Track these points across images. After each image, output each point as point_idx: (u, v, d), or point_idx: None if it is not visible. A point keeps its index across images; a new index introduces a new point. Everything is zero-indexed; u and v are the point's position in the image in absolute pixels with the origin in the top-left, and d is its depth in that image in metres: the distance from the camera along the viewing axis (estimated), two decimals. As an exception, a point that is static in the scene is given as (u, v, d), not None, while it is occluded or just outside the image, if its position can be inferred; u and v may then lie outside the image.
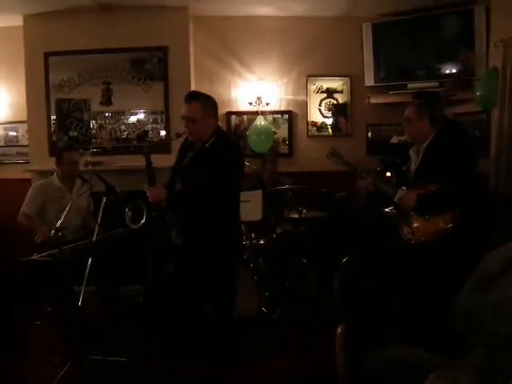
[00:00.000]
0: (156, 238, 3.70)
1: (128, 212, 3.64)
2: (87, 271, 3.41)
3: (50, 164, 5.36)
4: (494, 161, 5.07)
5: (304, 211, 5.13)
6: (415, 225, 3.58)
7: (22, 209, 4.74)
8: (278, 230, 5.13)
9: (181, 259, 3.58)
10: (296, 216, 5.16)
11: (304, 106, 6.72)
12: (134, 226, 3.64)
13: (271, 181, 5.68)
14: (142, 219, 3.61)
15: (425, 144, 3.69)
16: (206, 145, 3.52)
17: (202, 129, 3.49)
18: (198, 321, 3.64)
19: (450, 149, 3.59)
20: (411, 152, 3.83)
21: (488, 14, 5.61)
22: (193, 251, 3.48)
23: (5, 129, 6.64)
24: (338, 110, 6.74)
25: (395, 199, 3.69)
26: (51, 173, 5.00)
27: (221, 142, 3.56)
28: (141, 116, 6.31)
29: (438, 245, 3.44)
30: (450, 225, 3.46)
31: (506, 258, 1.25)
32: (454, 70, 5.86)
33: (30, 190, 4.89)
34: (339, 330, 1.89)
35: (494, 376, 1.17)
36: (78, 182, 4.85)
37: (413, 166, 3.79)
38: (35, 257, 3.64)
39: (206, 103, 3.53)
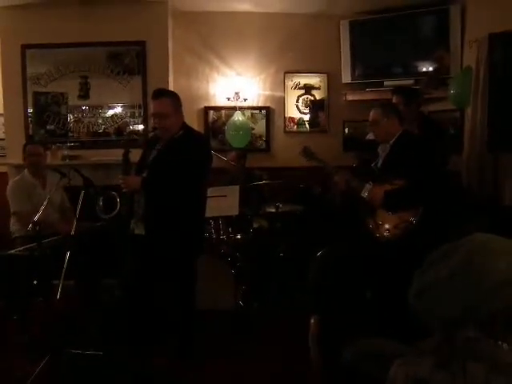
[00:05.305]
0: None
1: (99, 202, 3.65)
2: (65, 265, 3.40)
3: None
4: (467, 157, 5.17)
5: (280, 205, 5.18)
6: (379, 219, 3.67)
7: (13, 209, 4.69)
8: (255, 225, 5.17)
9: (138, 248, 3.55)
10: (273, 210, 5.21)
11: (282, 101, 6.77)
12: (105, 217, 3.65)
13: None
14: (114, 210, 3.61)
15: (391, 141, 3.77)
16: (176, 136, 3.54)
17: (173, 124, 3.52)
18: (152, 313, 3.64)
19: (415, 146, 3.69)
20: (380, 149, 3.91)
21: (463, 14, 5.70)
22: (153, 241, 3.46)
23: (-19, 122, 6.52)
24: (315, 107, 6.80)
25: (362, 194, 3.77)
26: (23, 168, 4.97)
27: (190, 135, 3.61)
28: (118, 110, 6.31)
29: (402, 240, 3.51)
30: (412, 219, 3.53)
31: (450, 246, 1.30)
32: (429, 68, 5.95)
33: (9, 190, 4.77)
34: (312, 321, 1.94)
35: (450, 360, 1.22)
36: (50, 176, 4.80)
37: (380, 162, 3.87)
38: (13, 251, 3.63)
39: (174, 99, 3.57)
